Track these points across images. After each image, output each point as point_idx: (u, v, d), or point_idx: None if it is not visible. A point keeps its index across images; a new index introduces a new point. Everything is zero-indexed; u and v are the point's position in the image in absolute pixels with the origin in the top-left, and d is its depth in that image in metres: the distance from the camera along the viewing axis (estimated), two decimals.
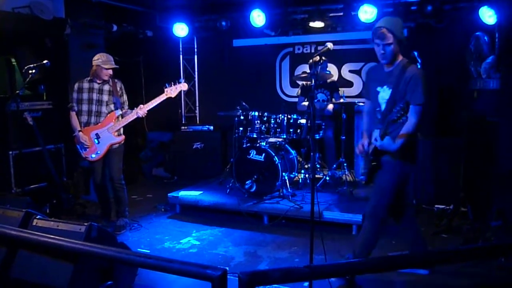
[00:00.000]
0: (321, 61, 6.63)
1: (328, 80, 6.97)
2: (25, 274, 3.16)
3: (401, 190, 4.05)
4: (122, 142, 5.52)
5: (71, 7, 7.09)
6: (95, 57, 5.37)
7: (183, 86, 5.56)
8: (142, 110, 5.37)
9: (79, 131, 5.42)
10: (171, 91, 5.43)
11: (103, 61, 5.32)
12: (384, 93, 3.88)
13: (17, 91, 5.64)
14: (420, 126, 3.78)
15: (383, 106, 3.90)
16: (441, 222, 5.56)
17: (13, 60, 6.71)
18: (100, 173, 5.57)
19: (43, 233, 2.89)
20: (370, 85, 4.08)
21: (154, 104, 5.39)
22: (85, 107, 5.42)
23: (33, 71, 5.36)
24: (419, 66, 5.08)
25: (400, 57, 3.86)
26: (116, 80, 5.52)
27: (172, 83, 5.47)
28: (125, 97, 5.59)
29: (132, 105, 5.62)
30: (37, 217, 3.39)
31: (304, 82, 7.26)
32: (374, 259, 3.50)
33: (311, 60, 6.99)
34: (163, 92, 5.44)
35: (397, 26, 3.76)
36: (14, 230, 2.92)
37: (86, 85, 5.42)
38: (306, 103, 6.99)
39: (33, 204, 4.86)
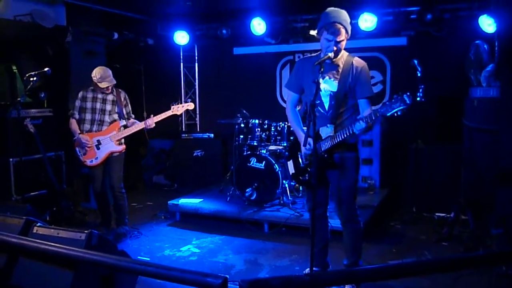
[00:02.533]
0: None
1: None
2: (25, 282, 3.15)
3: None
4: (123, 151, 5.53)
5: (72, 15, 7.12)
6: (93, 73, 5.38)
7: (190, 106, 5.68)
8: (148, 123, 5.39)
9: (80, 133, 5.43)
10: (178, 109, 5.54)
11: (97, 80, 5.33)
12: (327, 85, 3.77)
13: (18, 99, 5.64)
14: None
15: (326, 99, 3.80)
16: (442, 230, 5.55)
17: (14, 67, 6.73)
18: (100, 180, 5.57)
19: (43, 240, 2.88)
20: (304, 77, 3.91)
21: (161, 118, 5.46)
22: (88, 116, 5.43)
23: (34, 78, 5.37)
24: (419, 74, 5.14)
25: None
26: (120, 90, 5.55)
27: (179, 101, 5.59)
28: (129, 107, 5.62)
29: (133, 112, 5.64)
30: (38, 225, 3.38)
31: None
32: (375, 267, 3.49)
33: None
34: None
35: (348, 21, 3.70)
36: (15, 238, 2.92)
37: (90, 94, 5.44)
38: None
39: (33, 212, 4.83)
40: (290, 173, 4.30)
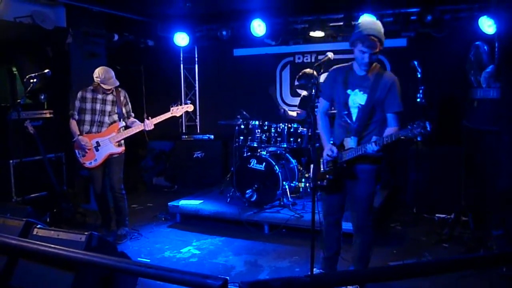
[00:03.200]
0: (321, 71, 6.64)
1: None
2: (25, 283, 3.15)
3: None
4: (122, 153, 5.52)
5: (72, 17, 7.12)
6: (95, 73, 5.34)
7: (189, 108, 5.67)
8: (147, 124, 5.38)
9: (79, 135, 5.42)
10: (177, 110, 5.53)
11: (101, 80, 5.31)
12: (356, 97, 3.79)
13: (18, 100, 5.65)
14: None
15: (354, 111, 3.82)
16: (442, 231, 5.55)
17: (14, 69, 6.74)
18: (100, 182, 5.56)
19: (43, 242, 2.88)
20: (335, 87, 3.95)
21: (160, 120, 5.45)
22: (87, 117, 5.42)
23: (34, 80, 5.38)
24: (419, 76, 5.14)
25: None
26: (120, 89, 5.53)
27: (179, 103, 5.55)
28: (129, 106, 5.60)
29: (133, 114, 5.63)
30: (38, 226, 3.38)
31: (304, 94, 7.27)
32: (375, 269, 3.49)
33: (298, 75, 6.98)
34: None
35: (382, 32, 3.70)
36: (15, 239, 2.92)
37: (89, 95, 5.41)
38: (294, 113, 7.08)
39: (34, 213, 4.83)
40: (310, 176, 4.32)
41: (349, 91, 3.82)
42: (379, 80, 3.72)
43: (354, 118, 3.83)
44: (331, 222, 4.16)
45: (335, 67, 4.03)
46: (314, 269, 4.12)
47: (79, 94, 5.46)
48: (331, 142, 3.95)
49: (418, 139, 3.51)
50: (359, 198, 3.94)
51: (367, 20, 3.79)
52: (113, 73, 5.39)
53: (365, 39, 3.63)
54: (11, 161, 6.02)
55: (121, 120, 5.50)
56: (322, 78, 7.46)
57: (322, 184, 4.02)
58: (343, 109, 3.86)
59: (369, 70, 3.79)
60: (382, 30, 3.71)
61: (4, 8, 6.28)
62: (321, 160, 4.08)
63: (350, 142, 3.79)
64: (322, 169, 4.07)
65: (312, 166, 4.28)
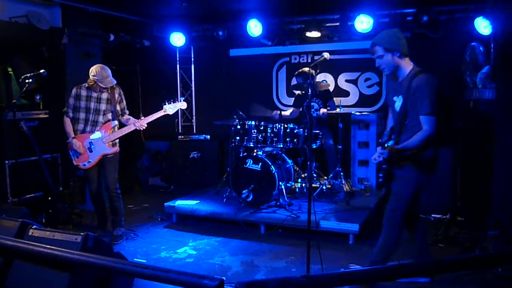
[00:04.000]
0: (317, 71, 6.67)
1: (322, 89, 6.98)
2: (21, 284, 3.14)
3: (415, 202, 4.09)
4: (116, 153, 5.50)
5: (68, 17, 7.10)
6: (92, 72, 5.30)
7: (182, 105, 5.65)
8: (139, 123, 5.37)
9: (73, 138, 5.40)
10: (169, 109, 5.49)
11: (97, 79, 5.26)
12: (399, 103, 3.94)
13: (14, 101, 5.62)
14: (434, 137, 3.82)
15: (395, 116, 4.01)
16: (438, 232, 5.56)
17: (9, 69, 6.71)
18: (95, 182, 5.55)
19: (39, 243, 2.88)
20: (388, 95, 4.20)
21: (153, 119, 5.44)
22: (82, 115, 5.40)
23: (30, 80, 5.36)
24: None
25: (409, 67, 3.89)
26: (115, 86, 5.46)
27: (172, 100, 5.50)
28: (124, 103, 5.57)
29: (129, 114, 5.62)
30: (33, 227, 3.38)
31: (298, 92, 7.29)
32: (371, 269, 3.49)
33: (296, 72, 7.00)
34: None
35: (387, 38, 3.87)
36: (10, 240, 2.91)
37: (84, 92, 5.38)
38: (288, 112, 7.11)
39: (29, 214, 4.83)
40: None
41: (395, 98, 3.99)
42: (410, 84, 3.81)
43: (395, 122, 4.00)
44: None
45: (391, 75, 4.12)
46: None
47: (74, 92, 5.42)
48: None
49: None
50: (393, 193, 4.07)
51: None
52: (109, 71, 5.35)
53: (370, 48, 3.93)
54: (6, 162, 6.00)
55: (115, 119, 5.47)
56: (318, 78, 7.52)
57: (380, 181, 4.21)
58: (394, 114, 4.05)
59: (403, 74, 3.92)
60: (386, 35, 3.92)
61: (0, 8, 6.27)
62: None
63: (388, 144, 3.95)
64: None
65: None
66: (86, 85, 5.38)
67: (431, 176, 4.02)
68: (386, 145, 3.94)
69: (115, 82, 5.39)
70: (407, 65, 3.89)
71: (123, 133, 5.43)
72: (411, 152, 3.84)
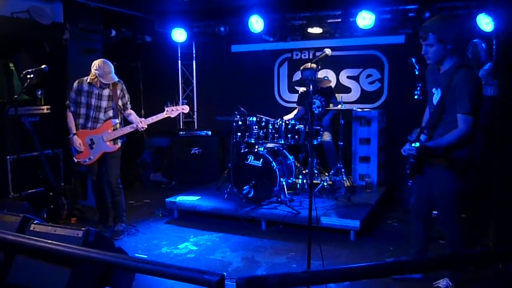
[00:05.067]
0: (319, 67, 6.66)
1: (324, 86, 6.99)
2: (22, 279, 3.15)
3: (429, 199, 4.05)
4: (118, 150, 5.50)
5: (69, 12, 7.09)
6: (94, 65, 5.28)
7: (184, 109, 5.64)
8: (140, 125, 5.36)
9: (74, 134, 5.41)
10: (172, 112, 5.47)
11: (100, 75, 5.24)
12: (437, 96, 3.77)
13: (15, 96, 5.64)
14: (470, 137, 3.66)
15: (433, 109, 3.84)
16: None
17: (11, 64, 6.70)
18: (96, 173, 5.55)
19: (40, 238, 2.88)
20: (428, 86, 3.97)
21: (154, 121, 5.44)
22: (83, 111, 5.39)
23: (31, 75, 5.36)
24: (416, 73, 5.11)
25: (453, 59, 3.70)
26: (117, 82, 5.42)
27: (174, 102, 5.51)
28: (127, 97, 5.53)
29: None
30: (35, 222, 3.38)
31: (301, 90, 7.30)
32: (372, 265, 3.50)
33: (302, 66, 7.01)
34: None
35: (442, 27, 3.64)
36: (12, 235, 2.92)
37: (85, 87, 5.36)
38: (291, 115, 7.12)
39: (31, 209, 4.84)
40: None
41: (434, 90, 3.82)
42: (451, 78, 3.62)
43: (432, 115, 3.82)
44: (412, 217, 4.26)
45: (431, 65, 3.94)
46: None
47: (75, 86, 5.41)
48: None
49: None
50: (439, 199, 3.97)
51: (436, 16, 3.77)
52: (112, 67, 5.32)
53: (419, 31, 3.69)
54: (8, 157, 6.00)
55: (116, 116, 5.45)
56: (320, 75, 7.51)
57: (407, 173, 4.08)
58: (431, 107, 3.86)
59: (449, 69, 3.71)
60: (441, 23, 3.69)
61: (1, 3, 6.26)
62: None
63: (421, 138, 3.77)
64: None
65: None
66: (88, 80, 5.36)
67: (465, 177, 3.84)
68: (414, 144, 3.74)
69: (116, 79, 5.35)
70: (453, 56, 3.70)
71: (124, 133, 5.43)
72: (443, 150, 3.68)
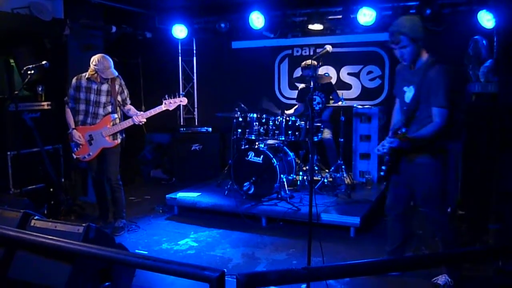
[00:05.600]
0: (320, 64, 6.65)
1: (324, 82, 6.98)
2: (23, 275, 3.16)
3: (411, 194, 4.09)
4: (117, 146, 5.50)
5: (70, 8, 7.08)
6: (93, 61, 5.28)
7: (183, 101, 5.56)
8: (138, 118, 5.35)
9: (73, 129, 5.40)
10: (170, 104, 5.41)
11: (100, 70, 5.24)
12: (409, 93, 3.84)
13: (16, 92, 5.63)
14: (445, 130, 3.74)
15: (406, 105, 3.89)
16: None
17: (11, 60, 6.70)
18: (96, 169, 5.55)
19: (41, 233, 2.89)
20: (398, 84, 4.05)
21: (152, 114, 5.39)
22: (82, 107, 5.39)
23: (32, 71, 5.35)
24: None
25: (425, 55, 3.80)
26: (115, 77, 5.42)
27: (172, 95, 5.45)
28: (126, 93, 5.53)
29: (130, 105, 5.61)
30: (35, 218, 3.39)
31: (300, 86, 7.29)
32: (372, 261, 3.50)
33: (303, 63, 7.01)
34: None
35: (412, 27, 3.70)
36: (12, 231, 2.92)
37: (84, 83, 5.36)
38: (292, 110, 7.11)
39: (31, 205, 4.84)
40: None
41: (405, 88, 3.89)
42: (425, 75, 3.71)
43: (406, 112, 3.88)
44: (393, 217, 4.28)
45: (401, 64, 4.01)
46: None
47: (73, 82, 5.41)
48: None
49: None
50: (420, 194, 4.02)
51: (400, 17, 3.81)
52: (111, 62, 5.32)
53: (389, 35, 3.73)
54: (8, 153, 6.00)
55: (115, 112, 5.45)
56: (321, 71, 7.51)
57: (382, 174, 4.14)
58: (403, 104, 3.92)
59: (418, 64, 3.81)
60: (410, 23, 3.73)
61: None
62: None
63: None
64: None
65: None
66: (86, 76, 5.35)
67: (444, 167, 3.94)
68: (398, 132, 3.77)
69: (116, 74, 5.35)
70: (424, 53, 3.80)
71: (122, 127, 5.42)
72: (420, 144, 3.75)
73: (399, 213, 4.25)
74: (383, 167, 4.03)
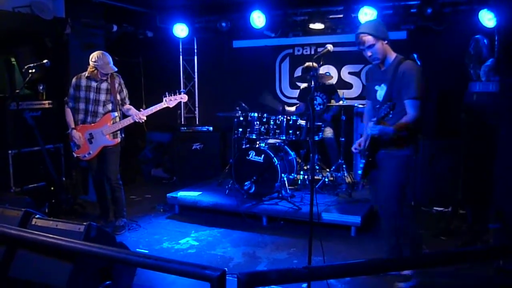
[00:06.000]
0: (321, 63, 6.65)
1: (326, 83, 6.99)
2: (24, 274, 3.16)
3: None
4: (117, 144, 5.50)
5: (71, 7, 7.08)
6: (92, 58, 5.29)
7: (183, 98, 5.53)
8: (138, 116, 5.34)
9: (73, 128, 5.41)
10: (170, 101, 5.40)
11: (100, 66, 5.25)
12: (381, 91, 3.93)
13: (17, 91, 5.64)
14: (419, 122, 3.81)
15: (378, 103, 3.94)
16: (440, 224, 5.57)
17: (13, 59, 6.70)
18: (96, 168, 5.56)
19: (42, 232, 2.89)
20: (370, 85, 4.16)
21: (152, 112, 5.38)
22: (82, 106, 5.39)
23: (33, 70, 5.36)
24: (418, 63, 5.20)
25: (393, 54, 3.95)
26: (115, 75, 5.44)
27: (172, 92, 5.43)
28: (125, 92, 5.54)
29: (131, 105, 5.60)
30: (36, 217, 3.39)
31: (302, 86, 7.29)
32: (372, 261, 3.50)
33: (306, 64, 7.02)
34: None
35: (374, 27, 3.89)
36: (13, 229, 2.93)
37: (83, 82, 5.37)
38: (293, 108, 7.11)
39: (32, 204, 4.85)
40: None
41: (377, 87, 3.99)
42: (396, 71, 3.83)
43: (381, 110, 3.85)
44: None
45: (370, 66, 4.16)
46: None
47: (73, 82, 5.42)
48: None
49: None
50: (380, 184, 4.03)
51: (364, 22, 3.95)
52: (110, 58, 5.33)
53: (356, 38, 3.93)
54: (9, 152, 6.01)
55: (115, 110, 5.45)
56: (322, 70, 7.51)
57: (359, 174, 4.23)
58: (376, 103, 3.97)
59: (387, 62, 3.93)
60: (372, 24, 3.96)
61: None
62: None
63: (373, 129, 3.84)
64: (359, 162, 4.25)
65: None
66: (86, 75, 5.37)
67: (414, 156, 3.99)
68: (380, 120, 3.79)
69: (116, 69, 5.36)
70: (391, 52, 3.95)
71: (123, 125, 5.42)
72: (399, 135, 3.80)
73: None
74: (363, 161, 4.06)
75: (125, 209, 5.71)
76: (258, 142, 6.42)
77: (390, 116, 3.67)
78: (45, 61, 5.47)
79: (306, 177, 6.56)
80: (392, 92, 3.83)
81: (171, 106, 5.43)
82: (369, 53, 3.89)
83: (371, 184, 4.29)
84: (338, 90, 7.25)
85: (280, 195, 6.13)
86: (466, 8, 6.26)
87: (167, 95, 5.42)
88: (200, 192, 6.58)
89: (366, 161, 4.01)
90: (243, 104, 6.66)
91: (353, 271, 2.51)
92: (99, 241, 3.11)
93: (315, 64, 3.96)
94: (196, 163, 8.11)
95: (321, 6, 7.11)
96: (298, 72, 8.18)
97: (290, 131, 6.34)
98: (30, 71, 5.36)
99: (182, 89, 8.85)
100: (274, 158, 6.05)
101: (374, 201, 4.31)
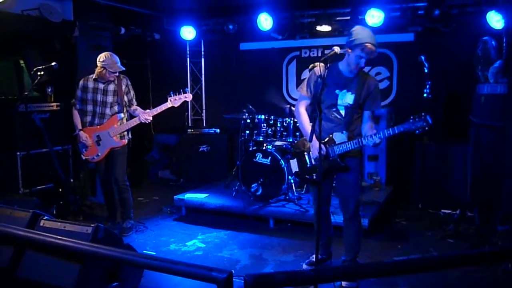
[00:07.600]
0: (328, 65, 6.64)
1: None
2: (32, 274, 3.18)
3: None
4: (124, 146, 5.52)
5: (79, 10, 7.12)
6: (100, 58, 5.33)
7: (188, 97, 5.51)
8: (144, 116, 5.35)
9: (80, 130, 5.44)
10: (175, 101, 5.39)
11: (108, 65, 5.28)
12: (345, 97, 4.02)
13: (26, 93, 5.67)
14: None
15: (342, 108, 4.05)
16: (448, 227, 5.54)
17: (21, 61, 6.75)
18: (104, 170, 5.58)
19: (50, 233, 2.91)
20: (318, 86, 3.99)
21: (158, 112, 5.39)
22: (89, 108, 5.43)
23: (41, 72, 5.39)
24: (426, 70, 5.27)
25: None
26: (122, 77, 5.47)
27: (177, 92, 5.44)
28: (132, 94, 5.56)
29: (138, 106, 5.62)
30: (44, 218, 3.41)
31: None
32: (379, 263, 3.49)
33: (311, 65, 7.00)
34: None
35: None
36: (22, 231, 2.94)
37: (91, 84, 5.41)
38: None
39: (40, 205, 4.87)
40: (293, 171, 4.48)
41: (337, 91, 4.04)
42: (364, 82, 4.00)
43: (343, 115, 4.07)
44: (323, 213, 4.32)
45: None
46: (304, 265, 4.46)
47: (81, 83, 5.46)
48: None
49: (417, 132, 3.72)
50: (351, 186, 4.18)
51: (365, 29, 3.98)
52: (118, 59, 5.37)
53: (364, 48, 3.87)
54: (18, 153, 6.04)
55: (122, 111, 5.47)
56: None
57: (311, 178, 4.29)
58: (332, 106, 4.08)
59: (358, 74, 4.05)
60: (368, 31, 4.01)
61: (12, 1, 6.29)
62: (305, 154, 4.31)
63: (341, 137, 4.02)
64: (309, 164, 4.29)
65: (291, 161, 4.46)
66: (93, 77, 5.40)
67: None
68: (374, 135, 3.86)
69: (123, 68, 5.39)
70: None
71: (130, 126, 5.44)
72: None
73: (329, 208, 4.47)
74: (319, 170, 3.97)
75: (132, 210, 5.73)
76: (265, 144, 6.43)
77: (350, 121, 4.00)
78: (53, 63, 5.50)
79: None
80: (360, 100, 4.00)
81: (176, 105, 5.43)
82: (363, 65, 3.96)
83: (320, 190, 4.18)
84: None
85: (287, 197, 6.13)
86: (474, 10, 6.23)
87: (172, 95, 5.43)
88: (207, 194, 6.59)
89: (334, 166, 4.06)
90: (250, 106, 6.66)
91: (360, 274, 2.50)
92: (107, 243, 3.12)
93: (322, 64, 3.98)
94: (203, 165, 8.13)
95: (328, 8, 7.10)
96: (305, 74, 8.16)
97: (297, 133, 6.33)
98: (38, 73, 5.38)
99: (186, 88, 8.88)
100: (281, 160, 6.05)
101: (318, 209, 4.23)
